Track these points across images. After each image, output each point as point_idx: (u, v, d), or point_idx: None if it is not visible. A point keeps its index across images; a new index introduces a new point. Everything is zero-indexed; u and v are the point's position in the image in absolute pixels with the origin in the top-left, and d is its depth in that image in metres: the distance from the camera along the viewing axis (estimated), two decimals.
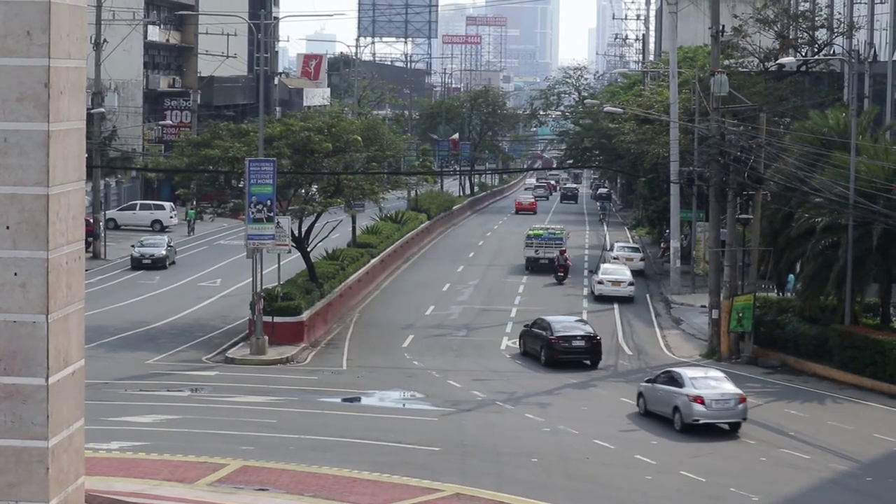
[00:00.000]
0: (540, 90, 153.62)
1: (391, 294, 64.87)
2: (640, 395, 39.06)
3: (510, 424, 36.35)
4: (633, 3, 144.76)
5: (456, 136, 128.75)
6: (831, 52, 64.82)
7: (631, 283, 63.61)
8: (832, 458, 32.98)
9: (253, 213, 46.39)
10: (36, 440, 10.58)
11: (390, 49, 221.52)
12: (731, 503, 28.26)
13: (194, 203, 67.03)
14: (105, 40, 75.32)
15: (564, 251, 71.72)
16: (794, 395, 42.79)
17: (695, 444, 34.53)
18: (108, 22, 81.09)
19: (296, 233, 52.90)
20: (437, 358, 48.62)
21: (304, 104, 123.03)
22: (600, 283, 63.59)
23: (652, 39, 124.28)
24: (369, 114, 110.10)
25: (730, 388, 36.95)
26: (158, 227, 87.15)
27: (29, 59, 10.42)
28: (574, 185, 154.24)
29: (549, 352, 47.20)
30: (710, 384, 37.01)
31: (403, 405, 40.75)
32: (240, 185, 52.19)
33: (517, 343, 50.51)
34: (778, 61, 60.69)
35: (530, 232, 76.00)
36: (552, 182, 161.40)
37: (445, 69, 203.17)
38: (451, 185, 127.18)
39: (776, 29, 65.62)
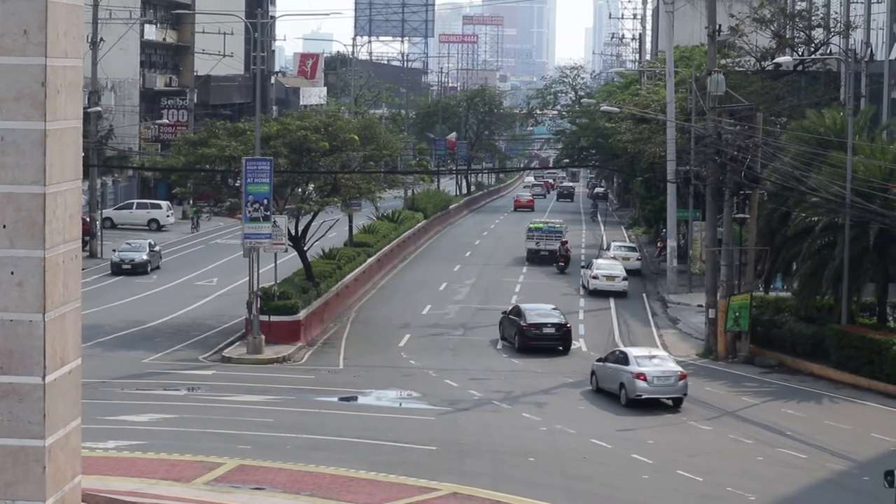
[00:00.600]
0: (536, 89, 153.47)
1: (388, 293, 64.87)
2: (592, 373, 42.20)
3: (507, 424, 36.34)
4: (629, 2, 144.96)
5: (453, 135, 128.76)
6: (828, 51, 64.89)
7: (625, 279, 64.86)
8: (829, 458, 32.98)
9: (249, 212, 46.37)
10: (32, 439, 10.57)
11: (387, 48, 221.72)
12: (728, 502, 28.25)
13: (191, 201, 67.08)
14: (102, 39, 75.26)
15: (566, 242, 75.61)
16: (790, 394, 42.80)
17: (693, 444, 34.53)
18: (105, 21, 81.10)
19: (292, 232, 52.87)
20: (434, 357, 48.62)
21: (301, 103, 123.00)
22: (595, 277, 64.78)
23: (648, 39, 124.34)
24: (366, 113, 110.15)
25: (671, 366, 40.08)
26: (155, 226, 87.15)
27: (26, 58, 10.41)
28: (571, 184, 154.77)
29: (521, 338, 49.68)
30: (654, 362, 40.14)
31: (400, 404, 40.75)
32: (236, 184, 52.18)
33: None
34: (774, 61, 60.75)
35: (531, 225, 79.90)
36: (550, 181, 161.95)
37: (442, 68, 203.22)
38: (448, 185, 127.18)
39: (773, 28, 65.69)
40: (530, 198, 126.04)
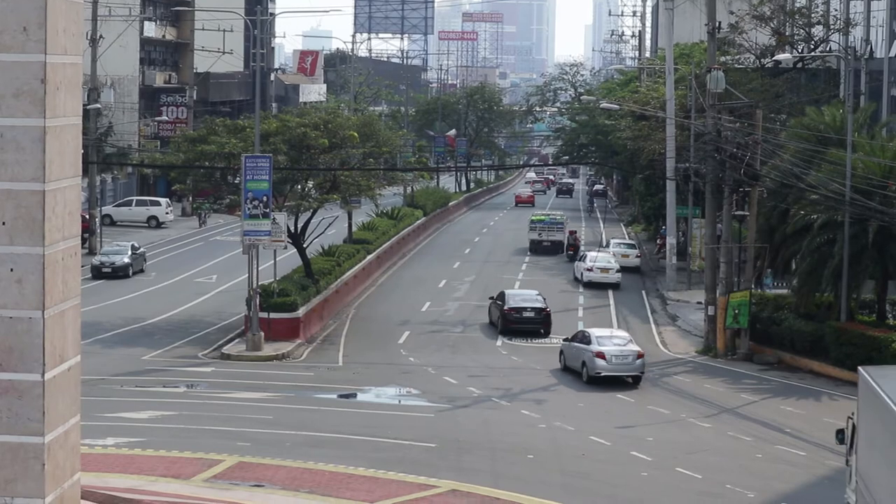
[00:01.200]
0: (536, 86, 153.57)
1: (387, 290, 64.87)
2: (561, 352, 45.49)
3: (506, 420, 36.35)
4: None
5: (452, 132, 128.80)
6: (827, 48, 64.84)
7: (618, 271, 66.55)
8: (828, 455, 32.97)
9: (249, 209, 46.37)
10: (32, 436, 10.58)
11: (386, 45, 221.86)
12: (728, 500, 28.26)
13: (191, 198, 66.78)
14: (101, 36, 75.27)
15: (575, 232, 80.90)
16: (790, 391, 42.82)
17: (692, 441, 34.55)
18: (105, 18, 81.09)
19: (292, 229, 52.87)
20: (433, 354, 48.63)
21: (301, 100, 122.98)
22: (589, 269, 66.25)
23: (648, 36, 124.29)
24: (365, 110, 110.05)
25: (630, 346, 43.43)
26: (154, 223, 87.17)
27: (25, 55, 10.41)
28: (570, 181, 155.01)
29: (503, 321, 52.59)
30: (613, 342, 43.47)
31: (399, 401, 40.76)
32: (236, 182, 52.17)
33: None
34: (774, 58, 60.73)
35: (533, 217, 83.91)
36: (550, 178, 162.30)
37: (442, 65, 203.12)
38: (448, 182, 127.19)
39: (772, 25, 65.69)
40: (531, 194, 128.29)
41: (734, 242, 50.94)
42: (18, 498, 10.58)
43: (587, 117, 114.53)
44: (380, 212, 77.22)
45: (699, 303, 55.68)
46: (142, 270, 66.38)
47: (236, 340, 48.71)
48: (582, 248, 76.72)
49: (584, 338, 44.22)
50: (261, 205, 46.30)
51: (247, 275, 48.51)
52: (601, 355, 42.60)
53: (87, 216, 71.08)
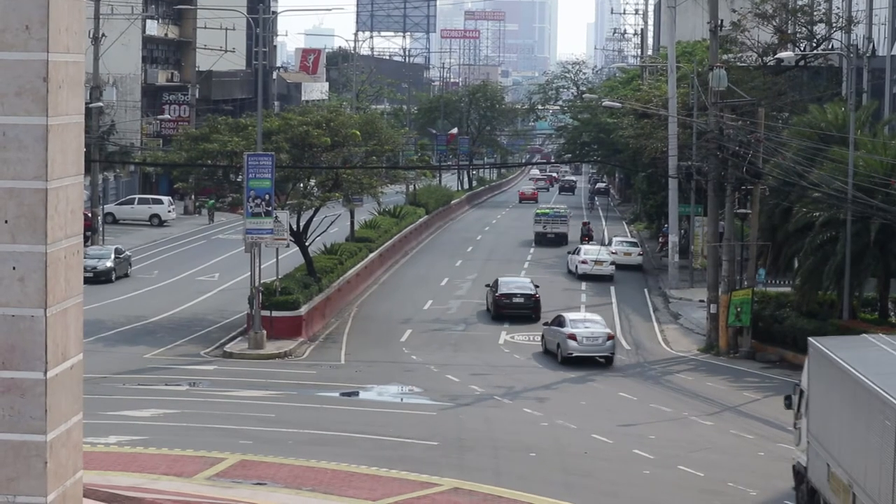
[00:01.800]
0: (538, 85, 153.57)
1: (389, 288, 64.88)
2: (542, 336, 48.63)
3: (508, 419, 36.36)
4: None
5: (454, 130, 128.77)
6: (830, 46, 64.82)
7: (611, 263, 68.44)
8: None
9: (251, 207, 46.38)
10: (34, 434, 10.57)
11: (389, 43, 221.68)
12: (730, 498, 28.27)
13: (192, 196, 66.89)
14: (103, 34, 75.29)
15: (588, 223, 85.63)
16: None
17: (694, 439, 34.55)
18: (107, 16, 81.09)
19: (294, 227, 52.89)
20: (436, 352, 48.64)
21: (303, 98, 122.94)
22: (583, 262, 68.09)
23: (650, 34, 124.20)
24: (367, 108, 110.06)
25: (601, 329, 46.51)
26: (157, 221, 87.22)
27: (27, 53, 10.41)
28: (572, 178, 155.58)
29: (495, 306, 55.54)
30: (585, 325, 46.66)
31: (401, 400, 40.78)
32: (238, 180, 52.17)
33: (514, 338, 52.04)
34: (776, 56, 60.72)
35: (538, 211, 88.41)
36: (554, 175, 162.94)
37: (444, 64, 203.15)
38: (450, 180, 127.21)
39: (775, 24, 65.61)
40: (534, 190, 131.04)
41: (736, 240, 50.93)
42: (21, 496, 10.57)
43: (589, 115, 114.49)
44: (382, 210, 77.22)
45: (701, 301, 55.68)
46: (126, 275, 63.81)
47: (238, 339, 48.72)
48: (605, 233, 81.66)
49: (559, 321, 47.22)
50: (263, 203, 46.31)
51: (249, 273, 48.52)
52: (573, 337, 45.75)
53: (90, 214, 71.07)
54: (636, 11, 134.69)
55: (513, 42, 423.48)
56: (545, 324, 49.31)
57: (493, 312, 55.78)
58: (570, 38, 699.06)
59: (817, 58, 65.04)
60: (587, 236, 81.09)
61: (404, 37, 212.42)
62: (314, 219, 55.16)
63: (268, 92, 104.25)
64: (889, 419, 20.43)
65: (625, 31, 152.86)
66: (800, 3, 71.55)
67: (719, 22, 52.40)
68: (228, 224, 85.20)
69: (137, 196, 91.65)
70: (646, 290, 65.59)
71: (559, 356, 46.18)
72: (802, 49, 66.51)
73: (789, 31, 66.93)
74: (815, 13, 67.32)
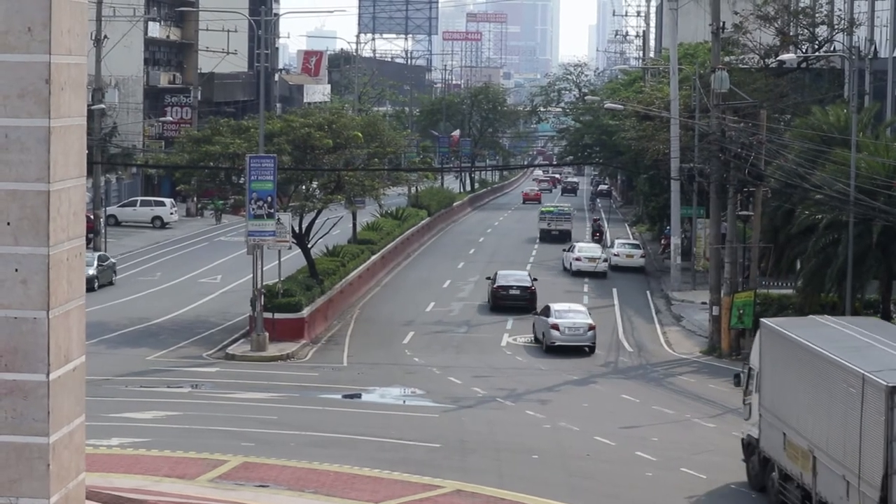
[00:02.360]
0: (540, 87, 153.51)
1: (392, 290, 64.86)
2: (533, 324, 50.85)
3: (511, 421, 36.35)
4: None
5: (456, 132, 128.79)
6: (832, 48, 64.78)
7: (605, 260, 70.14)
8: None
9: (253, 209, 46.38)
10: (37, 436, 10.58)
11: (391, 45, 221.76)
12: (732, 500, 28.26)
13: (195, 198, 66.82)
14: (105, 36, 75.27)
15: (598, 219, 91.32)
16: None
17: (697, 441, 34.53)
18: (109, 18, 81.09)
19: (296, 229, 52.88)
20: (438, 354, 48.63)
21: (305, 101, 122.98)
22: (578, 259, 69.74)
23: (652, 36, 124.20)
24: (370, 110, 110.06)
25: (583, 320, 48.43)
26: (159, 223, 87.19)
27: (30, 56, 10.42)
28: (575, 180, 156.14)
29: (493, 298, 57.86)
30: (569, 316, 48.59)
31: (404, 402, 40.77)
32: (240, 182, 52.16)
33: (518, 338, 52.18)
34: (778, 58, 60.64)
35: (543, 209, 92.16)
36: (556, 177, 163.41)
37: (446, 66, 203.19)
38: (452, 182, 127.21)
39: (777, 25, 65.60)
40: (538, 191, 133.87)
41: (738, 242, 50.90)
42: (23, 498, 10.58)
43: (591, 117, 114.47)
44: (384, 212, 77.18)
45: (703, 303, 55.65)
46: (110, 283, 61.23)
47: (241, 341, 48.71)
48: (607, 234, 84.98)
49: (546, 311, 49.28)
50: (265, 205, 46.31)
51: (251, 275, 48.53)
52: (556, 327, 47.94)
53: (92, 216, 71.06)
54: (638, 13, 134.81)
55: (514, 44, 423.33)
56: (535, 313, 51.72)
57: (491, 304, 57.90)
58: (571, 40, 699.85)
59: (819, 60, 64.98)
60: (598, 231, 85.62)
61: (406, 39, 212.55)
62: (316, 221, 55.15)
63: (270, 94, 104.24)
64: (853, 386, 23.09)
65: (626, 33, 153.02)
66: (802, 5, 71.52)
67: (721, 24, 52.38)
68: (231, 226, 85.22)
69: (140, 198, 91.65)
70: (648, 292, 65.57)
71: (544, 345, 48.50)
72: (804, 51, 66.50)
73: (791, 33, 66.91)
74: (816, 15, 67.28)
